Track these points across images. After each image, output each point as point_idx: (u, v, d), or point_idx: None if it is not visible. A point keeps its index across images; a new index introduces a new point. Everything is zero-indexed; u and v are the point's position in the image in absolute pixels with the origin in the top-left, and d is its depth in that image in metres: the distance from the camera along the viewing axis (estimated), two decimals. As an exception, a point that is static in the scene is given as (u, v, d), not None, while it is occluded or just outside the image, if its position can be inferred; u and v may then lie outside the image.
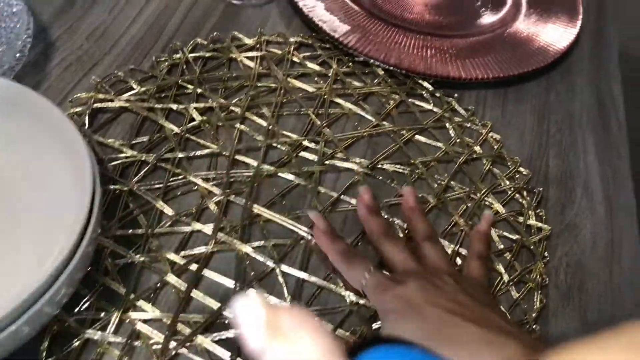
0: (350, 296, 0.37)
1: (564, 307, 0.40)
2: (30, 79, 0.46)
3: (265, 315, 0.17)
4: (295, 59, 0.52)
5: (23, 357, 0.32)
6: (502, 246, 0.42)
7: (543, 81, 0.56)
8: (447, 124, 0.49)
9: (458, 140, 0.48)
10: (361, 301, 0.37)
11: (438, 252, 0.37)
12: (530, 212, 0.44)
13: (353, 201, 0.43)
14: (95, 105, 0.45)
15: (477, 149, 0.48)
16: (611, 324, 0.19)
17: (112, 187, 0.41)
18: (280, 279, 0.38)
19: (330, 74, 0.51)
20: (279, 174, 0.44)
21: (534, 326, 0.38)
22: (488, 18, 0.60)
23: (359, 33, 0.54)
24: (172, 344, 0.34)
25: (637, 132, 0.61)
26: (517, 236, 0.43)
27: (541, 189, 0.46)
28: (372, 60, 0.51)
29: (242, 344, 0.17)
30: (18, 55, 0.45)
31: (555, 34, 0.58)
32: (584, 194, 0.47)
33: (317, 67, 0.52)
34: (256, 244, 0.39)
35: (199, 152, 0.44)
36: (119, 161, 0.42)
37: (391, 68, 0.51)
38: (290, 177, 0.43)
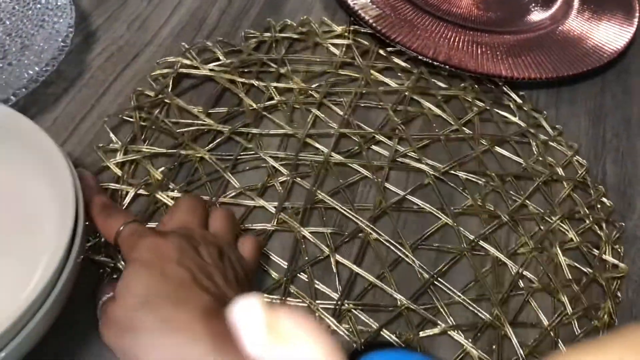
0: (402, 300, 0.36)
1: (626, 323, 0.37)
2: (72, 70, 0.45)
3: (265, 319, 0.17)
4: (381, 52, 0.51)
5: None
6: (570, 276, 0.40)
7: (598, 82, 0.53)
8: (531, 140, 0.47)
9: (540, 159, 0.46)
10: (413, 306, 0.36)
11: (226, 223, 0.34)
12: (607, 246, 0.41)
13: (419, 202, 0.41)
14: (181, 70, 0.46)
15: (560, 170, 0.45)
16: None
17: (183, 152, 0.41)
18: (334, 268, 0.37)
19: (415, 71, 0.50)
20: (348, 164, 0.43)
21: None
22: (538, 15, 0.58)
23: (406, 27, 0.52)
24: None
25: None
26: (590, 270, 0.40)
27: (623, 224, 0.43)
28: (420, 56, 0.49)
29: (242, 347, 0.17)
30: (61, 45, 0.44)
31: (610, 33, 0.55)
32: None
33: (402, 63, 0.51)
34: (314, 229, 0.39)
35: (272, 131, 0.44)
36: (195, 127, 0.43)
37: (440, 64, 0.49)
38: (359, 169, 0.43)
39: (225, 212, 0.35)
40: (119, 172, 0.40)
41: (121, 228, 0.31)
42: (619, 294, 0.39)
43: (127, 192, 0.39)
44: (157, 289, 0.27)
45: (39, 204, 0.32)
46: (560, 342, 0.36)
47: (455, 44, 0.52)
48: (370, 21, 0.51)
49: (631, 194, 0.45)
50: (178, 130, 0.43)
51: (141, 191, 0.39)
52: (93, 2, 0.52)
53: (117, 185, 0.39)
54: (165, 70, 0.46)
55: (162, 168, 0.40)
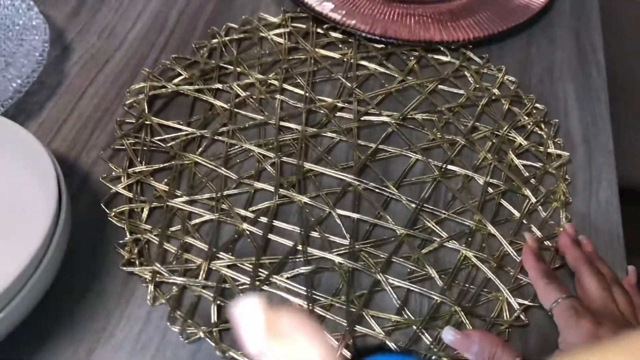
0: (400, 229, 0.43)
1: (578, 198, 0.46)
2: (52, 79, 0.52)
3: (265, 318, 0.17)
4: (319, 30, 0.57)
5: (133, 307, 0.39)
6: (527, 174, 0.47)
7: (524, 36, 0.58)
8: (466, 72, 0.54)
9: (477, 85, 0.53)
10: (411, 232, 0.43)
11: (627, 299, 0.37)
12: (549, 141, 0.49)
13: (390, 148, 0.48)
14: (151, 92, 0.51)
15: (496, 91, 0.53)
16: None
17: (178, 162, 0.46)
18: (338, 221, 0.43)
19: (352, 41, 0.56)
20: (322, 134, 0.49)
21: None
22: None
23: (345, 8, 0.58)
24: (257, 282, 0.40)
25: (619, 79, 0.61)
26: (540, 164, 0.48)
27: (557, 120, 0.51)
28: (359, 33, 0.55)
29: (242, 345, 0.18)
30: (39, 59, 0.50)
31: None
32: (564, 139, 0.50)
33: (339, 35, 0.57)
34: (311, 194, 0.45)
35: (249, 123, 0.49)
36: (181, 138, 0.48)
37: (377, 38, 0.55)
38: (332, 135, 0.49)
39: (624, 289, 0.38)
40: (129, 194, 0.44)
41: (559, 300, 0.36)
42: (567, 177, 0.47)
43: (143, 209, 0.43)
44: None
45: (27, 194, 0.38)
46: (532, 226, 0.44)
47: (391, 17, 0.57)
48: (315, 6, 0.57)
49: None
50: (167, 145, 0.47)
51: (155, 204, 0.44)
52: (67, 18, 0.58)
53: (132, 205, 0.43)
54: (139, 97, 0.50)
55: (165, 180, 0.45)
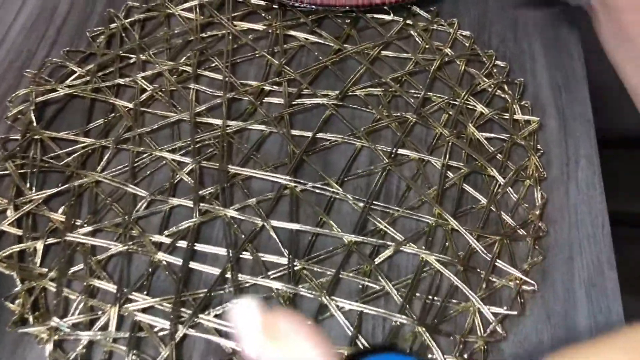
0: (347, 237, 0.36)
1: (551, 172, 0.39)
2: None
3: (262, 321, 0.18)
4: (237, -2, 0.48)
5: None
6: (492, 149, 0.40)
7: None
8: (412, 32, 0.46)
9: (427, 46, 0.45)
10: (359, 238, 0.36)
11: None
12: (515, 105, 0.42)
13: (329, 136, 0.40)
14: (38, 99, 0.42)
15: (448, 51, 0.45)
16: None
17: (75, 183, 0.38)
18: (273, 234, 0.36)
19: (276, 6, 0.47)
20: (248, 127, 0.41)
21: (540, 224, 0.37)
22: None
23: None
24: (178, 327, 0.33)
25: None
26: (506, 135, 0.41)
27: (522, 79, 0.44)
28: (286, 2, 0.46)
29: (239, 348, 0.18)
30: None
31: None
32: (533, 107, 0.42)
33: (261, 2, 0.48)
34: (240, 205, 0.37)
35: (158, 124, 0.41)
36: (79, 152, 0.40)
37: (307, 7, 0.46)
38: (260, 127, 0.41)
39: None
40: (17, 231, 0.36)
41: None
42: (539, 147, 0.40)
43: (36, 248, 0.36)
44: None
45: None
46: (502, 214, 0.37)
47: None
48: None
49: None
50: (62, 163, 0.39)
51: (50, 240, 0.36)
52: None
53: (21, 245, 0.36)
54: (22, 107, 0.41)
55: (62, 207, 0.37)
